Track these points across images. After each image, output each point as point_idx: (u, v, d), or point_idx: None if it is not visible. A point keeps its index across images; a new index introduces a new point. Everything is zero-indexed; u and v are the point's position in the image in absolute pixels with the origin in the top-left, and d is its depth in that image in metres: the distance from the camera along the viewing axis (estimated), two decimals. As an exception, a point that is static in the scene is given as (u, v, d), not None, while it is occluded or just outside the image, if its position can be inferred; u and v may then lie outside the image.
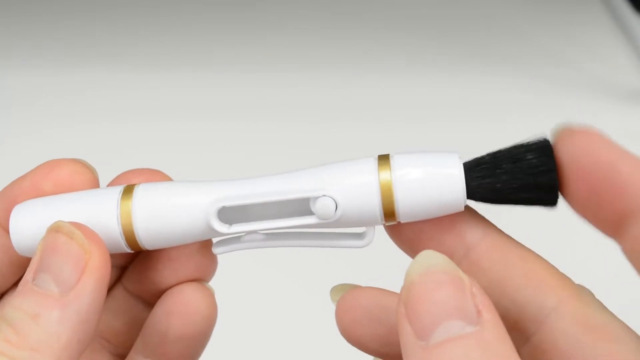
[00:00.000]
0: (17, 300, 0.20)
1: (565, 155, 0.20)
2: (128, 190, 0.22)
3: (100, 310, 0.21)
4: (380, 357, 0.23)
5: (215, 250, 0.23)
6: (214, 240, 0.24)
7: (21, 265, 0.24)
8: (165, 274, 0.24)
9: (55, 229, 0.21)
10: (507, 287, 0.21)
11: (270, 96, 0.65)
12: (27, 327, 0.20)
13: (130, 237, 0.22)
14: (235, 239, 0.23)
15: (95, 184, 0.24)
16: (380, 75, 0.67)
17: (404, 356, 0.18)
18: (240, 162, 0.58)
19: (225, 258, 0.24)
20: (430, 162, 0.21)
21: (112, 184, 0.24)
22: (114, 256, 0.22)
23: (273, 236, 0.23)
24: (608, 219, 0.20)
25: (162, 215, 0.22)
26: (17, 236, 0.23)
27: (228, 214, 0.22)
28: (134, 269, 0.25)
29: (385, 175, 0.21)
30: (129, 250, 0.23)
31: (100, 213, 0.22)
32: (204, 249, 0.24)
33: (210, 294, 0.24)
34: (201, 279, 0.24)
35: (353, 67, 0.68)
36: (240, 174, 0.60)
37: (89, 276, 0.20)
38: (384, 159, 0.21)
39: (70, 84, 0.65)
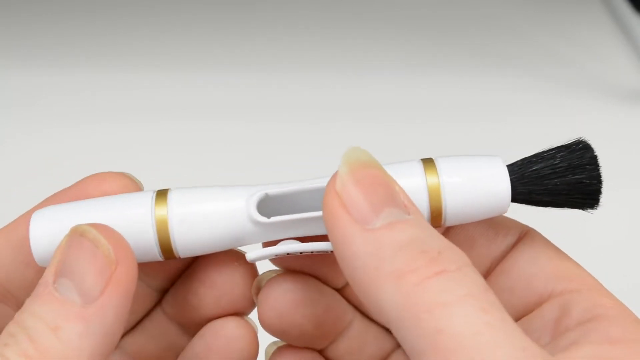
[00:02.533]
0: (35, 307, 0.19)
1: None
2: (161, 195, 0.21)
3: (124, 324, 0.20)
4: (306, 342, 0.24)
5: (249, 256, 0.22)
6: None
7: None
8: (207, 301, 0.23)
9: (80, 233, 0.20)
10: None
11: (270, 96, 0.65)
12: (47, 340, 0.18)
13: (165, 245, 0.21)
14: (270, 244, 0.22)
15: None
16: (380, 75, 0.67)
17: (339, 245, 0.18)
18: (240, 162, 0.58)
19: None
20: (475, 166, 0.21)
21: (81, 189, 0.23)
22: (154, 278, 0.22)
23: (305, 238, 0.22)
24: None
25: (201, 217, 0.21)
26: (38, 245, 0.21)
27: (267, 209, 0.22)
28: (175, 293, 0.24)
29: (432, 179, 0.21)
30: (160, 259, 0.22)
31: (133, 219, 0.21)
32: (247, 277, 0.23)
33: (253, 331, 0.24)
34: (242, 311, 0.24)
35: (353, 67, 0.68)
36: (240, 174, 0.60)
37: (114, 289, 0.19)
38: (429, 162, 0.21)
39: (70, 84, 0.65)
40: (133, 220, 0.21)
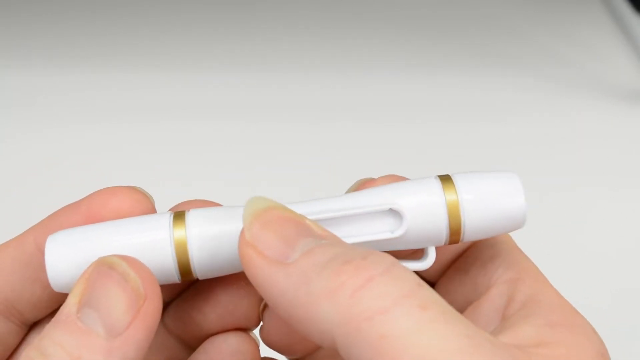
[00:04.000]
0: (57, 334, 0.18)
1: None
2: (178, 216, 0.21)
3: (144, 359, 0.19)
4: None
5: None
6: None
7: (58, 300, 0.22)
8: (210, 318, 0.23)
9: (109, 265, 0.19)
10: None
11: (270, 96, 0.65)
12: None
13: (184, 267, 0.21)
14: None
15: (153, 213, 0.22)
16: (380, 75, 0.67)
17: (265, 289, 0.18)
18: (240, 162, 0.58)
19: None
20: (492, 183, 0.22)
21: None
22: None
23: None
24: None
25: (219, 241, 0.21)
26: (55, 270, 0.21)
27: None
28: (177, 308, 0.24)
29: (451, 195, 0.21)
30: (178, 281, 0.21)
31: (151, 242, 0.21)
32: (252, 296, 0.23)
33: (256, 346, 0.23)
34: (246, 327, 0.23)
35: (353, 67, 0.68)
36: (240, 174, 0.60)
37: (141, 323, 0.19)
38: (446, 179, 0.22)
39: (70, 84, 0.65)
40: (152, 243, 0.21)
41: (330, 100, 0.64)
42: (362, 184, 0.23)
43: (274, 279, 0.18)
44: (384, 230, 0.21)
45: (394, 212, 0.21)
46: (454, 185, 0.21)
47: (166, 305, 0.24)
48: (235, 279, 0.23)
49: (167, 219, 0.21)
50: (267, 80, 0.66)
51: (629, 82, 0.67)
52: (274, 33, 0.72)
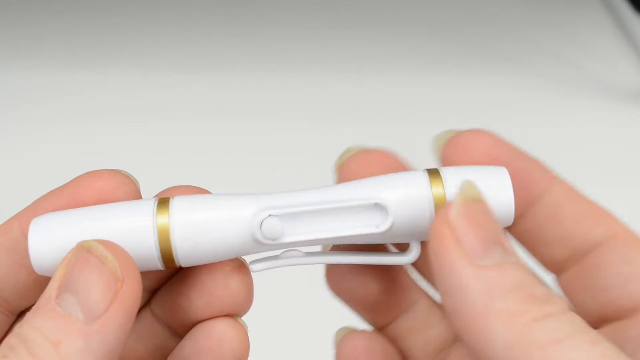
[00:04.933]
0: (37, 320, 0.19)
1: (461, 156, 0.22)
2: (162, 203, 0.21)
3: (125, 343, 0.19)
4: None
5: (253, 267, 0.22)
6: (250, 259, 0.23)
7: (45, 288, 0.22)
8: (198, 304, 0.23)
9: (87, 249, 0.19)
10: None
11: (270, 96, 0.65)
12: (47, 355, 0.18)
13: (166, 254, 0.21)
14: (274, 256, 0.22)
15: (138, 195, 0.22)
16: (381, 75, 0.67)
17: (446, 275, 0.19)
18: (240, 162, 0.58)
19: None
20: (480, 176, 0.21)
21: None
22: (144, 278, 0.21)
23: (313, 252, 0.22)
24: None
25: (203, 229, 0.21)
26: (37, 253, 0.20)
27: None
28: (165, 295, 0.24)
29: (438, 189, 0.21)
30: (161, 268, 0.21)
31: (134, 228, 0.21)
32: (238, 281, 0.23)
33: (244, 331, 0.23)
34: (235, 313, 0.23)
35: (353, 67, 0.68)
36: (240, 173, 0.60)
37: (119, 306, 0.19)
38: (434, 172, 0.21)
39: (70, 84, 0.65)
40: (134, 229, 0.20)
41: (330, 100, 0.64)
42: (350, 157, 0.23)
43: (459, 271, 0.18)
44: (368, 225, 0.21)
45: (379, 206, 0.21)
46: (441, 179, 0.21)
47: (153, 293, 0.24)
48: (220, 265, 0.23)
49: (151, 205, 0.21)
50: (267, 80, 0.66)
51: (629, 82, 0.67)
52: (274, 33, 0.72)
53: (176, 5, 0.76)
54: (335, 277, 0.24)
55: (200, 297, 0.23)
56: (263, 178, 0.56)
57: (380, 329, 0.26)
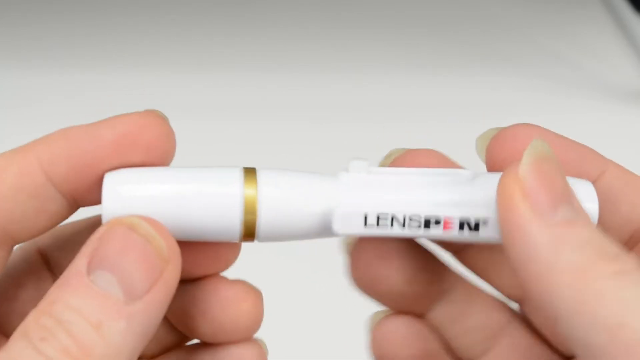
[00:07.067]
0: (72, 299, 0.17)
1: (510, 153, 0.22)
2: (249, 173, 0.21)
3: (159, 325, 0.19)
4: None
5: (337, 229, 0.20)
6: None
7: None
8: (207, 328, 0.22)
9: (129, 226, 0.18)
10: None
11: (270, 96, 0.65)
12: (90, 338, 0.17)
13: (249, 227, 0.20)
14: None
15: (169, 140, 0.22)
16: (381, 75, 0.67)
17: (513, 231, 0.18)
18: (240, 162, 0.58)
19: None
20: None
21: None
22: None
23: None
24: None
25: (288, 206, 0.20)
26: (109, 210, 0.19)
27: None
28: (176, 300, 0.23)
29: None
30: (236, 241, 0.20)
31: (221, 195, 0.20)
32: (252, 311, 0.22)
33: (263, 353, 0.23)
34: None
35: (353, 67, 0.68)
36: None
37: (162, 286, 0.18)
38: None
39: (70, 84, 0.65)
40: (221, 197, 0.20)
41: (330, 100, 0.64)
42: (402, 155, 0.23)
43: (528, 228, 0.18)
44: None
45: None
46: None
47: None
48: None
49: (239, 174, 0.21)
50: (267, 80, 0.66)
51: (629, 82, 0.67)
52: (274, 33, 0.72)
53: (176, 5, 0.76)
54: (361, 266, 0.23)
55: (210, 325, 0.22)
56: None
57: (419, 317, 0.24)
